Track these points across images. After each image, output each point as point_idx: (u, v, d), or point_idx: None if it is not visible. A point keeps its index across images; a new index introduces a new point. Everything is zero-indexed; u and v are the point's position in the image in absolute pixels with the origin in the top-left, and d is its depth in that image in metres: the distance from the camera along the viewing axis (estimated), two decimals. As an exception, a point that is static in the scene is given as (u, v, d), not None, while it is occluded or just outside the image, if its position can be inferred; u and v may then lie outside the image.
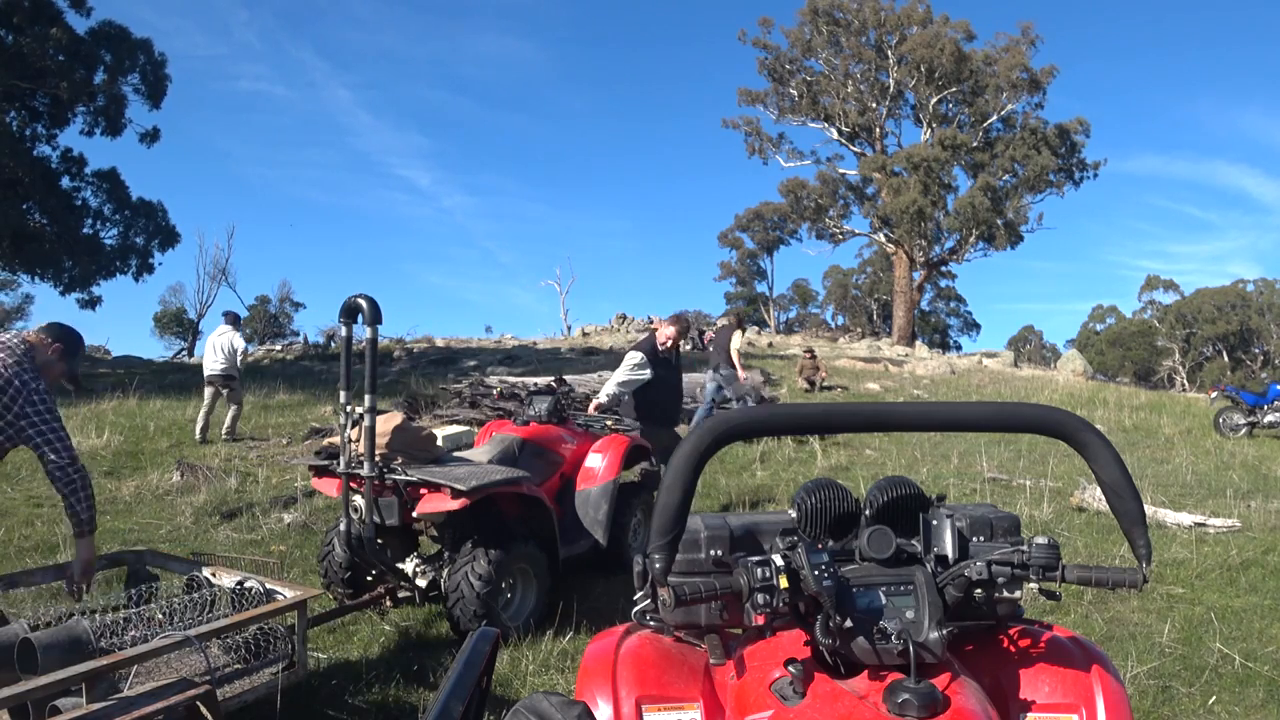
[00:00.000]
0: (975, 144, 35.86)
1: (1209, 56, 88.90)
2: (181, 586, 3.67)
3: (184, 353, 38.15)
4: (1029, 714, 1.36)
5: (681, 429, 6.64)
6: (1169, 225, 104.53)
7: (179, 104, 76.73)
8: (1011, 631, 1.47)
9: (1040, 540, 1.35)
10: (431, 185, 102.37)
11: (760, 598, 1.27)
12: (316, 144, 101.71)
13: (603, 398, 6.11)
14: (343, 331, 4.07)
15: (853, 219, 39.75)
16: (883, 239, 38.16)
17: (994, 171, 35.87)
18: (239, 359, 10.79)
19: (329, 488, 4.52)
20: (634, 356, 6.10)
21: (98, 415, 11.99)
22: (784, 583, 1.27)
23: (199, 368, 11.30)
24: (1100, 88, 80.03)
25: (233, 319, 11.16)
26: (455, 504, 4.06)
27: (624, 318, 35.74)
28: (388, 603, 4.59)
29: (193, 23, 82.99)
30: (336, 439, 4.45)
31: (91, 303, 23.38)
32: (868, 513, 1.59)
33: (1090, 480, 7.28)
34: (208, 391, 10.73)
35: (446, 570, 4.32)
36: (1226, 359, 50.70)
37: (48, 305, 78.46)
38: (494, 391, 11.03)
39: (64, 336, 3.45)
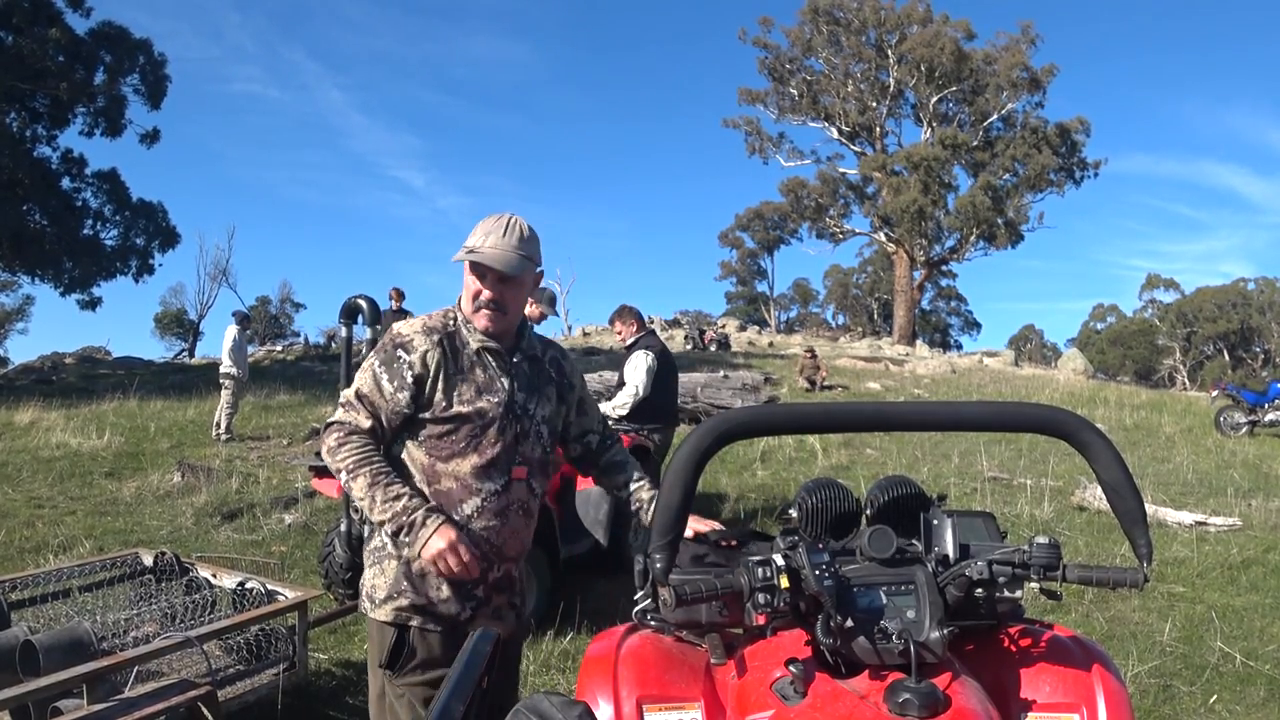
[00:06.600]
0: (975, 143, 35.85)
1: (1196, 56, 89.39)
2: (182, 587, 3.67)
3: (185, 353, 38.16)
4: (1030, 713, 1.35)
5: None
6: (1161, 224, 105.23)
7: (175, 106, 76.79)
8: (1012, 631, 1.47)
9: (1041, 540, 1.35)
10: (426, 186, 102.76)
11: (761, 597, 1.27)
12: (312, 145, 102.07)
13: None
14: (343, 332, 4.07)
15: (853, 218, 39.78)
16: (883, 238, 38.16)
17: (994, 171, 35.86)
18: (229, 355, 10.95)
19: (329, 489, 4.52)
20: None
21: (98, 416, 12.00)
22: (785, 582, 1.27)
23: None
24: (1090, 88, 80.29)
25: (237, 318, 11.35)
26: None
27: (624, 318, 35.69)
28: (388, 603, 4.59)
29: (186, 25, 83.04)
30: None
31: (92, 304, 23.35)
32: (869, 512, 1.59)
33: (1091, 479, 7.28)
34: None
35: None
36: (1227, 358, 50.66)
37: (48, 306, 78.67)
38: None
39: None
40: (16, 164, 20.46)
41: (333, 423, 2.02)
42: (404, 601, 2.01)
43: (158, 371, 21.12)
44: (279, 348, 31.07)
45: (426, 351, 1.99)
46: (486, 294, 2.03)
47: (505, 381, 2.08)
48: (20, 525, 6.53)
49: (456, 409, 2.00)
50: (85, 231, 22.89)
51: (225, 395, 10.80)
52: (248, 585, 3.49)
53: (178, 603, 3.35)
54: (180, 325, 46.12)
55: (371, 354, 2.06)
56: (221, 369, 11.01)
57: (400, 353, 1.99)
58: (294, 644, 3.32)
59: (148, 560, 3.86)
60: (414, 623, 2.01)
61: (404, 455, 2.04)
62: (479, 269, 2.02)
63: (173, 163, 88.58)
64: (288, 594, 3.40)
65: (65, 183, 22.65)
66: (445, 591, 2.01)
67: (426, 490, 2.01)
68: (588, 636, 4.26)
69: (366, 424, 1.98)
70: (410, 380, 1.98)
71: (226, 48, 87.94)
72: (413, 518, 1.91)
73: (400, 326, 2.07)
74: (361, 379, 2.02)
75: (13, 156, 20.33)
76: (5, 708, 2.33)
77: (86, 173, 23.13)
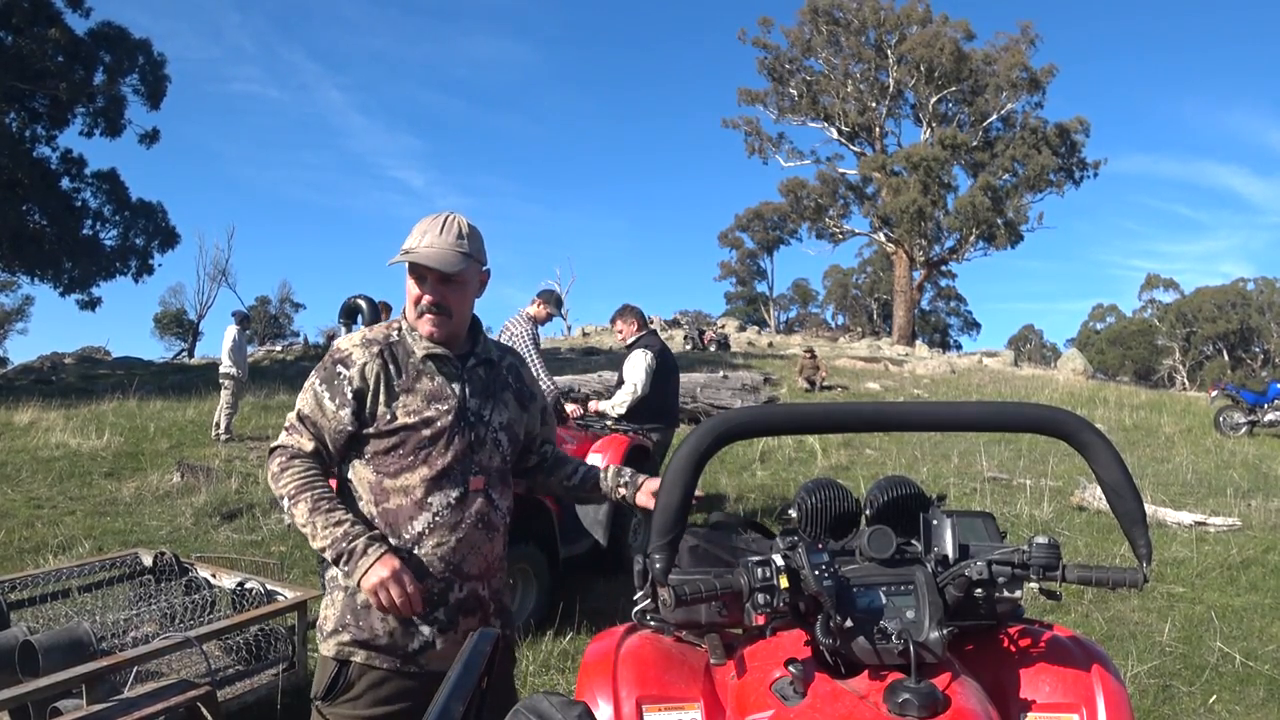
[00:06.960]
0: (975, 143, 35.87)
1: (1196, 56, 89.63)
2: (181, 587, 3.67)
3: (184, 354, 38.18)
4: (1029, 713, 1.35)
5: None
6: (1160, 225, 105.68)
7: (175, 106, 76.91)
8: (1012, 631, 1.47)
9: (1041, 540, 1.34)
10: (425, 186, 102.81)
11: (761, 597, 1.27)
12: (311, 145, 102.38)
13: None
14: (342, 332, 4.07)
15: (853, 219, 39.81)
16: (883, 238, 38.17)
17: (994, 171, 35.88)
18: (228, 355, 10.96)
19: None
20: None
21: (98, 416, 12.00)
22: (784, 582, 1.27)
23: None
24: (1090, 88, 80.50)
25: (237, 318, 11.35)
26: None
27: (624, 318, 35.72)
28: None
29: (186, 25, 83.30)
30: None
31: (91, 304, 23.39)
32: (868, 512, 1.59)
33: (1090, 479, 7.28)
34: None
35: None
36: (1227, 358, 50.69)
37: (47, 306, 78.78)
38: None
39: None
40: (16, 164, 20.47)
41: (276, 447, 1.93)
42: (347, 636, 1.90)
43: (157, 371, 21.11)
44: (278, 348, 31.09)
45: (365, 364, 1.89)
46: (427, 298, 1.92)
47: (456, 388, 1.96)
48: (20, 525, 6.53)
49: (402, 420, 1.89)
50: (85, 231, 22.93)
51: (225, 395, 10.80)
52: (247, 585, 3.49)
53: (177, 603, 3.35)
54: (180, 325, 46.17)
55: (312, 373, 1.97)
56: (221, 369, 11.02)
57: (340, 368, 1.90)
58: (293, 644, 3.32)
59: (147, 560, 3.85)
60: (357, 658, 1.90)
61: (351, 475, 1.94)
62: (417, 271, 1.92)
63: (173, 163, 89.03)
64: (287, 594, 3.40)
65: (65, 183, 22.68)
66: (392, 623, 1.89)
67: (375, 510, 1.90)
68: (587, 636, 4.26)
69: (309, 447, 1.89)
70: (350, 396, 1.88)
71: (226, 48, 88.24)
72: (353, 545, 1.80)
73: (340, 341, 1.99)
74: (303, 400, 1.92)
75: (13, 156, 20.34)
76: (5, 708, 2.33)
77: (86, 173, 23.19)
